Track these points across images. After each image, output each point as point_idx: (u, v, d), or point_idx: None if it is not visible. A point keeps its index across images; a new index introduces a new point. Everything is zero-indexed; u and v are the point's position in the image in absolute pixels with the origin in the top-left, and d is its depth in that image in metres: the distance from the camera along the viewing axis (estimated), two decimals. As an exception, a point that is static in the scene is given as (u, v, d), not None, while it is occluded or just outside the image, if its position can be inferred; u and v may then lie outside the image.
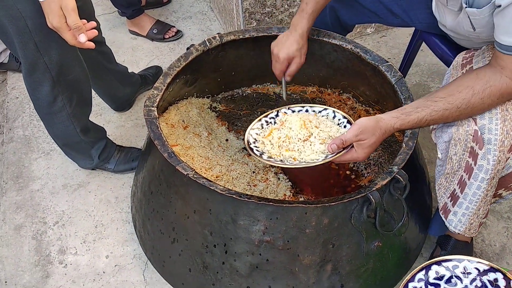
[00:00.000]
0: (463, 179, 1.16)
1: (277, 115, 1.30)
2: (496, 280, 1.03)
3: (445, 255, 1.10)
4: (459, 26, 1.17)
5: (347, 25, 1.57)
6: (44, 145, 1.86)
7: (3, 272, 1.51)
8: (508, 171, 1.14)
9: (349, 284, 1.25)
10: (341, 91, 1.66)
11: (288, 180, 1.48)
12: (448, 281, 1.06)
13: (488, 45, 1.17)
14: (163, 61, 2.20)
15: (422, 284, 1.06)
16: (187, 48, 1.45)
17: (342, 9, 1.50)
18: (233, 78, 1.67)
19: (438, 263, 1.07)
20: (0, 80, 2.20)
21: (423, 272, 1.07)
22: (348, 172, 1.55)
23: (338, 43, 1.45)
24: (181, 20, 2.44)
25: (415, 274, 1.07)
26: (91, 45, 1.16)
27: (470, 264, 1.06)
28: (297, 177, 1.50)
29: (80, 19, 1.12)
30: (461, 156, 1.13)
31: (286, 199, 1.43)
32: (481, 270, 1.05)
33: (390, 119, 1.09)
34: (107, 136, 1.72)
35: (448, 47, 1.40)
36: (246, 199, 1.11)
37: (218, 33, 1.48)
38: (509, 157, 1.10)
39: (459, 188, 1.18)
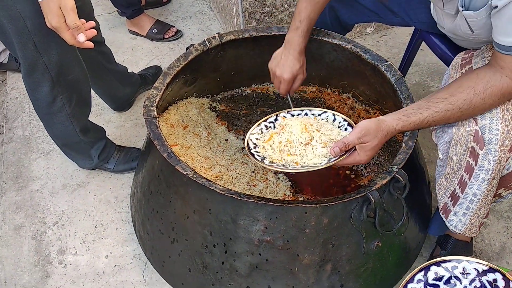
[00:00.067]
0: (463, 179, 1.16)
1: (276, 119, 1.29)
2: (495, 280, 1.03)
3: (445, 255, 1.10)
4: (457, 28, 1.17)
5: (347, 24, 1.56)
6: (44, 145, 1.86)
7: (2, 272, 1.51)
8: (508, 170, 1.13)
9: (349, 283, 1.25)
10: (341, 91, 1.66)
11: (287, 180, 1.48)
12: (447, 282, 1.06)
13: (487, 45, 1.17)
14: (163, 61, 2.20)
15: (421, 285, 1.06)
16: (187, 48, 1.45)
17: (342, 9, 1.50)
18: (232, 77, 1.67)
19: (437, 264, 1.07)
20: (-1, 80, 2.20)
21: (422, 273, 1.07)
22: (347, 172, 1.55)
23: (337, 43, 1.45)
24: (180, 20, 2.43)
25: (414, 275, 1.07)
26: (90, 44, 1.16)
27: (469, 264, 1.06)
28: (297, 177, 1.50)
29: (79, 18, 1.12)
30: (461, 156, 1.13)
31: (286, 199, 1.43)
32: (480, 270, 1.05)
33: (392, 121, 1.08)
34: (107, 136, 1.72)
35: (448, 47, 1.40)
36: (246, 199, 1.10)
37: (217, 33, 1.48)
38: (509, 157, 1.09)
39: (459, 188, 1.18)
